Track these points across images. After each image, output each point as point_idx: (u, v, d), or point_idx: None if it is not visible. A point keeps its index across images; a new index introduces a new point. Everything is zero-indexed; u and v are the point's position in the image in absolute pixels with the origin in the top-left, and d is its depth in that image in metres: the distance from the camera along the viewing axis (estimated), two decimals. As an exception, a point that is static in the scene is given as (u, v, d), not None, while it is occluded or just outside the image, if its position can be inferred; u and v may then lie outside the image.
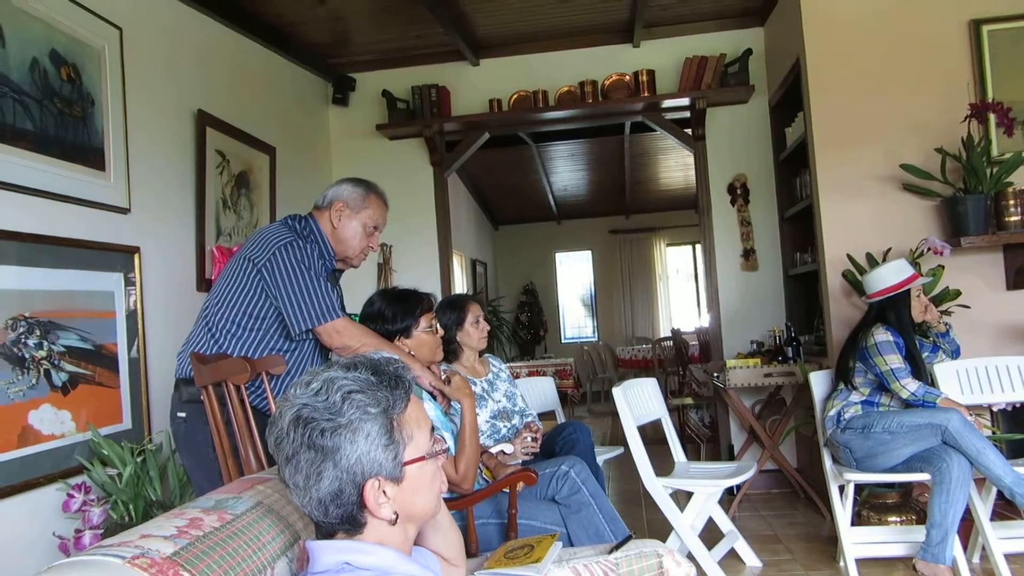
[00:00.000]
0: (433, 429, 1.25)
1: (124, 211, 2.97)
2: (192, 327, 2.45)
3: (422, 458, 1.19)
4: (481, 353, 3.10)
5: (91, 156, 2.80)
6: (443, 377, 2.43)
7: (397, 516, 1.16)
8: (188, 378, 2.30)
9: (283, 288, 2.27)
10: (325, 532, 1.17)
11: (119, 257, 2.92)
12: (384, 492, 1.14)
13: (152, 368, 3.04)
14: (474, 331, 2.99)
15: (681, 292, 11.84)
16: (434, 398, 2.43)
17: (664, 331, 10.82)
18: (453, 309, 3.01)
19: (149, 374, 3.02)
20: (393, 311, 2.51)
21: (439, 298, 3.07)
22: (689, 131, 5.02)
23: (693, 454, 5.40)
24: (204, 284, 3.47)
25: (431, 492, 1.21)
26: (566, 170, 9.52)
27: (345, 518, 1.14)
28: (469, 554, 1.94)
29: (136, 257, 3.00)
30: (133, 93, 3.06)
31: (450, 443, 2.42)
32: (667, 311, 11.58)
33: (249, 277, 2.32)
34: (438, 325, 2.60)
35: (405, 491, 1.16)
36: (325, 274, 2.40)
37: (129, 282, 2.95)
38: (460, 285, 8.34)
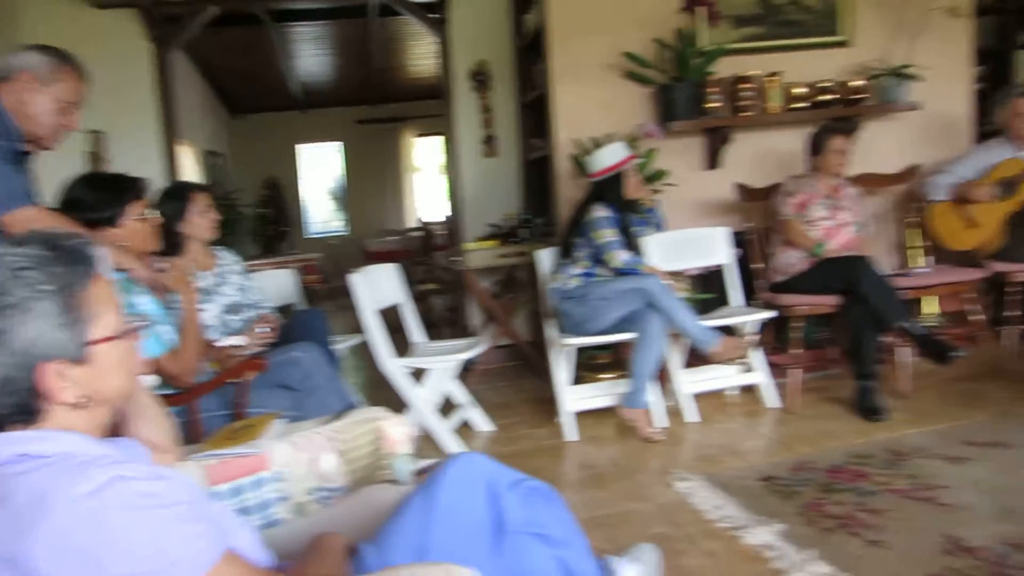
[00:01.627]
0: (126, 309, 1.17)
1: None
2: None
3: (110, 338, 1.11)
4: (212, 245, 2.94)
5: None
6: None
7: (86, 400, 1.09)
8: None
9: (-46, 172, 1.95)
10: (-6, 426, 1.07)
11: None
12: (65, 376, 1.06)
13: None
14: (201, 221, 2.81)
15: (431, 183, 11.93)
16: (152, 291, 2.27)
17: (414, 223, 10.91)
18: (175, 198, 2.79)
19: None
20: (96, 197, 2.28)
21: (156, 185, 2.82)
22: (438, 16, 4.95)
23: (437, 338, 5.61)
24: None
25: (122, 373, 1.15)
26: (310, 55, 8.96)
27: (19, 407, 1.05)
28: (194, 443, 1.89)
29: None
30: None
31: (174, 336, 2.31)
32: (417, 203, 11.66)
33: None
34: (153, 213, 2.41)
35: (91, 373, 1.09)
36: (11, 156, 2.10)
37: None
38: (192, 179, 7.70)
